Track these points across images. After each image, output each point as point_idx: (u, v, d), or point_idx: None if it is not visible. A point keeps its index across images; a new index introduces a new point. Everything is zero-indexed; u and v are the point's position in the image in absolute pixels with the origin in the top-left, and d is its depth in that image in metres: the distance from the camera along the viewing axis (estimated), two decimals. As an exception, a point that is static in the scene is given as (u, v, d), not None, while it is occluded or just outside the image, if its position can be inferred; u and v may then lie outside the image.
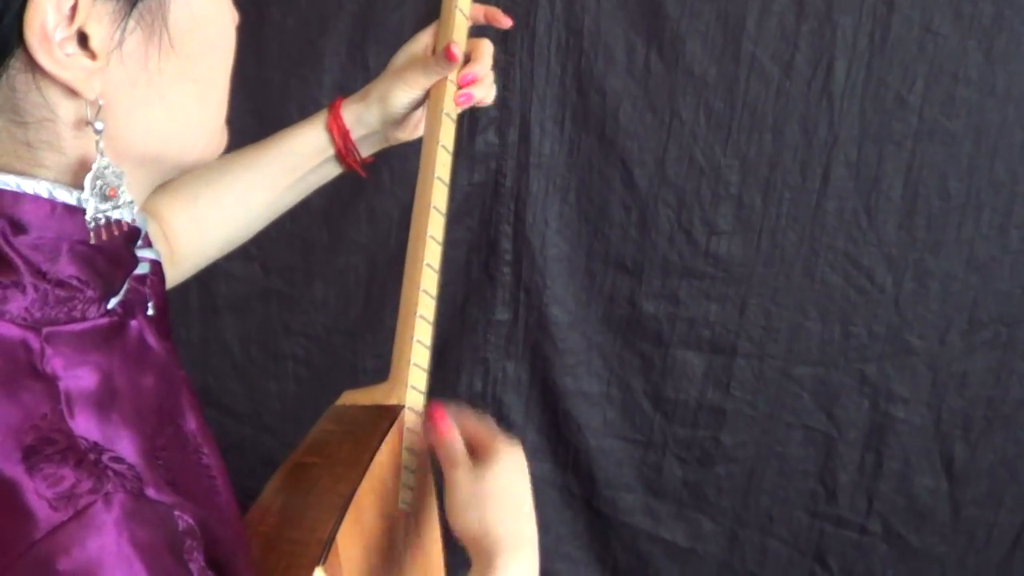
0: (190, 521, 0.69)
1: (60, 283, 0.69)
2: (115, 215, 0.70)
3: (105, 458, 0.65)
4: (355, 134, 1.19)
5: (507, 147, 1.98)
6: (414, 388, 1.07)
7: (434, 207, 1.10)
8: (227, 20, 0.77)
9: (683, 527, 2.20)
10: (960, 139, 1.85)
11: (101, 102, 0.67)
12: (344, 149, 1.19)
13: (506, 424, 2.17)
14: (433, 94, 1.16)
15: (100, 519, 0.62)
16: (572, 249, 2.03)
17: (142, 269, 0.81)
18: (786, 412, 2.07)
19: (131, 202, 0.71)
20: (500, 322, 2.10)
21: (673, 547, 2.21)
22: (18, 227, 0.67)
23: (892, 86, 1.83)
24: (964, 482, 2.06)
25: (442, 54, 1.13)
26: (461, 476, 0.98)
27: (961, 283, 1.93)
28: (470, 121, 1.96)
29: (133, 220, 0.74)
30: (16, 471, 0.62)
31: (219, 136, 0.80)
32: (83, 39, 0.65)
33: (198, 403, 0.82)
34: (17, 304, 0.67)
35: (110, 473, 0.65)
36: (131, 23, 0.67)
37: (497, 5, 1.85)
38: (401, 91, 1.16)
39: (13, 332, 0.66)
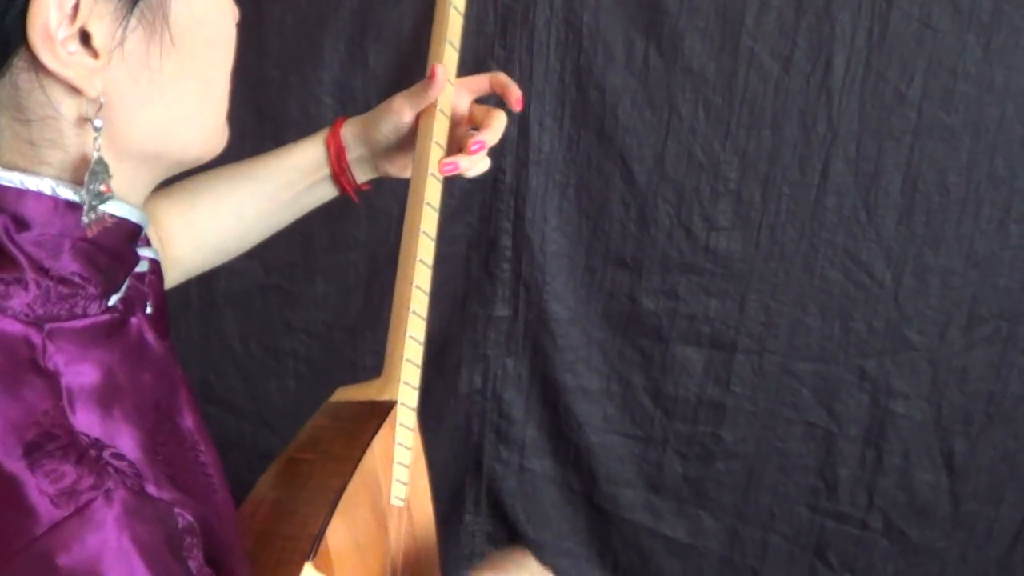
0: (189, 518, 0.69)
1: (62, 280, 0.69)
2: (107, 208, 0.71)
3: (106, 454, 0.66)
4: (350, 154, 1.20)
5: (506, 143, 1.98)
6: (407, 384, 1.08)
7: (427, 203, 1.10)
8: (227, 18, 0.78)
9: (684, 523, 2.20)
10: (959, 134, 1.84)
11: (102, 100, 0.68)
12: (338, 168, 1.20)
13: (506, 421, 2.17)
14: (422, 123, 1.15)
15: (101, 516, 0.63)
16: (572, 245, 2.03)
17: (142, 267, 0.82)
18: (786, 408, 2.07)
19: (111, 197, 0.71)
20: (500, 318, 2.10)
21: (674, 543, 2.21)
22: (21, 224, 0.68)
23: (891, 81, 1.82)
24: (964, 477, 2.05)
25: (427, 79, 1.13)
26: None
27: (961, 278, 1.93)
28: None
29: (128, 217, 0.74)
30: (18, 467, 0.63)
31: (220, 133, 0.80)
32: (85, 37, 0.66)
33: (195, 401, 0.83)
34: (19, 300, 0.67)
35: (111, 470, 0.65)
36: (132, 21, 0.68)
37: (495, 4, 1.87)
38: (386, 117, 1.16)
39: (15, 328, 0.67)
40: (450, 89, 1.16)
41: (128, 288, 0.77)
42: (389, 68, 1.95)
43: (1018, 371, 1.97)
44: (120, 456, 0.67)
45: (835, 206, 1.91)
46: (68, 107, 0.68)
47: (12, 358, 0.66)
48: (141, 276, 0.81)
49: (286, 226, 1.98)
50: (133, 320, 0.76)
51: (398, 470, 1.06)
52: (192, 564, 0.68)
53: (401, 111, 1.15)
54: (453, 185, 1.98)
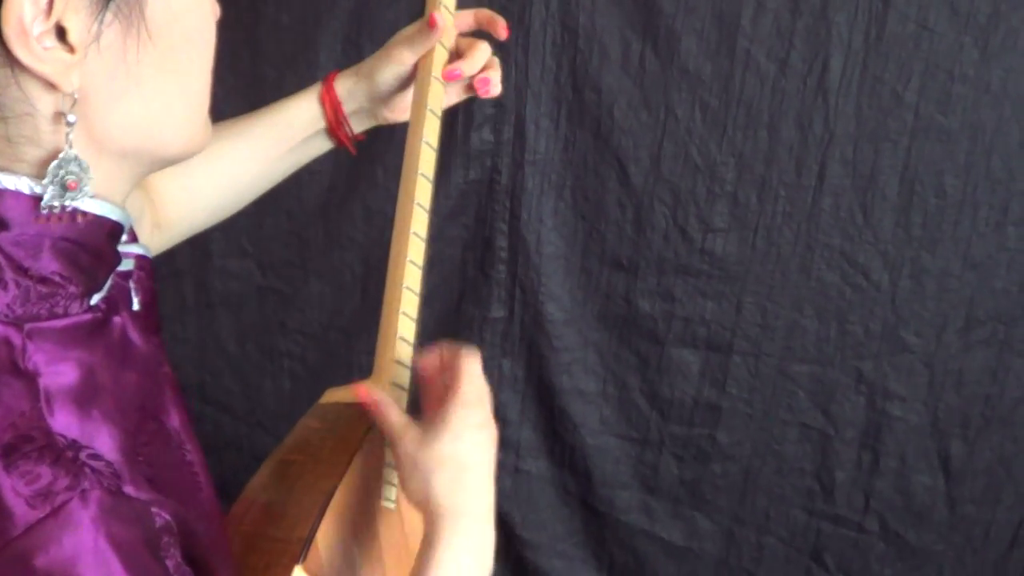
0: (167, 518, 0.69)
1: (42, 279, 0.69)
2: (80, 205, 0.70)
3: (83, 455, 0.66)
4: (346, 108, 1.19)
5: (502, 144, 1.98)
6: (397, 385, 1.07)
7: (417, 203, 1.09)
8: (206, 13, 0.77)
9: (680, 525, 2.19)
10: (956, 136, 1.84)
11: (76, 96, 0.67)
12: (335, 122, 1.19)
13: (502, 422, 2.15)
14: (420, 69, 1.16)
15: (77, 516, 0.63)
16: (567, 247, 2.03)
17: (126, 265, 0.81)
18: (782, 410, 2.07)
19: (93, 196, 0.71)
20: (495, 320, 2.10)
21: (670, 545, 2.20)
22: (0, 223, 0.67)
23: (888, 83, 1.82)
24: (961, 480, 2.05)
25: (424, 22, 1.13)
26: (407, 444, 0.93)
27: (958, 281, 1.92)
28: (465, 118, 1.95)
29: (109, 215, 0.73)
30: None
31: (202, 130, 0.80)
32: (61, 33, 0.65)
33: (183, 400, 0.82)
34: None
35: (87, 470, 0.65)
36: (108, 16, 0.67)
37: (491, 3, 1.86)
38: (387, 66, 1.16)
39: None
40: (451, 32, 1.16)
41: (111, 287, 0.76)
42: (385, 68, 1.95)
43: (1015, 374, 1.97)
44: (97, 457, 0.66)
45: (832, 208, 1.91)
46: (44, 103, 0.67)
47: None
48: (127, 274, 0.80)
49: (281, 225, 1.98)
50: (116, 319, 0.75)
51: (388, 472, 1.06)
52: (169, 563, 0.68)
53: (402, 58, 1.15)
54: (449, 186, 1.98)
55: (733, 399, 2.08)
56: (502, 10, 1.86)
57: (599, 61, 1.89)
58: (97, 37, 0.67)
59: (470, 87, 1.21)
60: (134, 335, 0.77)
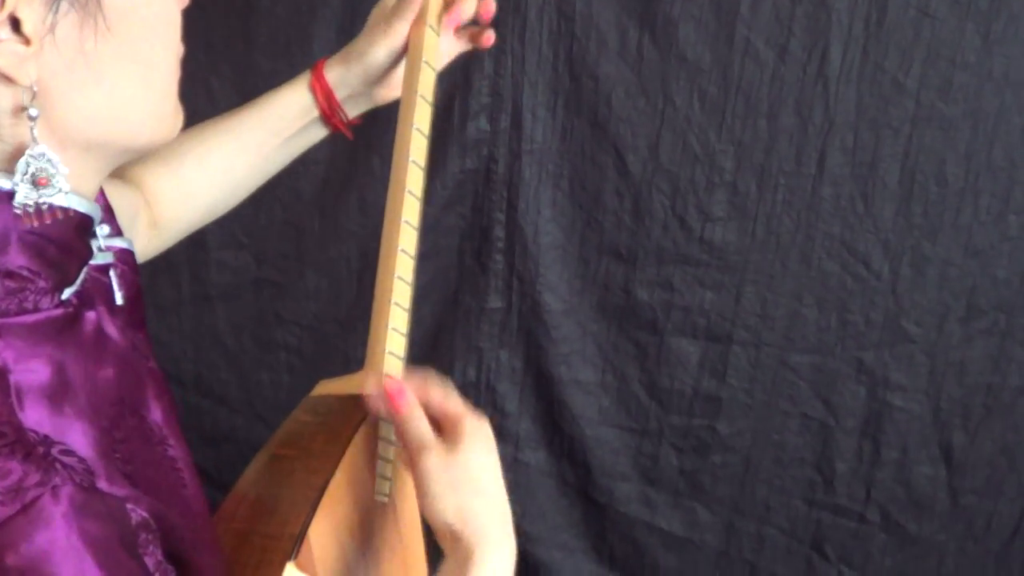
0: (144, 514, 0.68)
1: (9, 274, 0.68)
2: (54, 201, 0.69)
3: (55, 451, 0.65)
4: (339, 94, 1.18)
5: (499, 133, 1.97)
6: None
7: (408, 191, 1.08)
8: (168, 1, 0.76)
9: (680, 516, 2.19)
10: (958, 124, 1.83)
11: (35, 88, 0.66)
12: (328, 110, 1.18)
13: (500, 413, 2.16)
14: (409, 55, 1.14)
15: (48, 512, 0.62)
16: (565, 236, 2.02)
17: (105, 259, 0.80)
18: (783, 400, 2.06)
19: (68, 191, 0.70)
20: (493, 310, 2.09)
21: (670, 536, 2.20)
22: None
23: (888, 70, 1.81)
24: (963, 471, 2.05)
25: None
26: (433, 462, 0.91)
27: (959, 270, 1.92)
28: (461, 107, 1.95)
29: (76, 208, 0.72)
30: None
31: (170, 118, 0.78)
32: (15, 24, 0.64)
33: (168, 395, 0.81)
34: None
35: (59, 466, 0.64)
36: (64, 5, 0.66)
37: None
38: (379, 41, 1.15)
39: None
40: (436, 8, 1.15)
41: (85, 281, 0.75)
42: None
43: (1017, 364, 1.97)
44: (70, 452, 0.66)
45: (832, 197, 1.90)
46: (2, 97, 0.66)
47: None
48: (104, 268, 0.79)
49: (277, 217, 1.97)
50: (90, 314, 0.74)
51: (382, 465, 1.05)
52: (149, 560, 0.68)
53: (393, 30, 1.14)
54: (445, 175, 1.98)
55: (733, 389, 2.07)
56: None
57: (596, 49, 1.88)
58: (52, 28, 0.66)
59: (469, 37, 1.20)
60: (111, 329, 0.76)
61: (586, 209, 2.00)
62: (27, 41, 0.65)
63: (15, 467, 0.62)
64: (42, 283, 0.70)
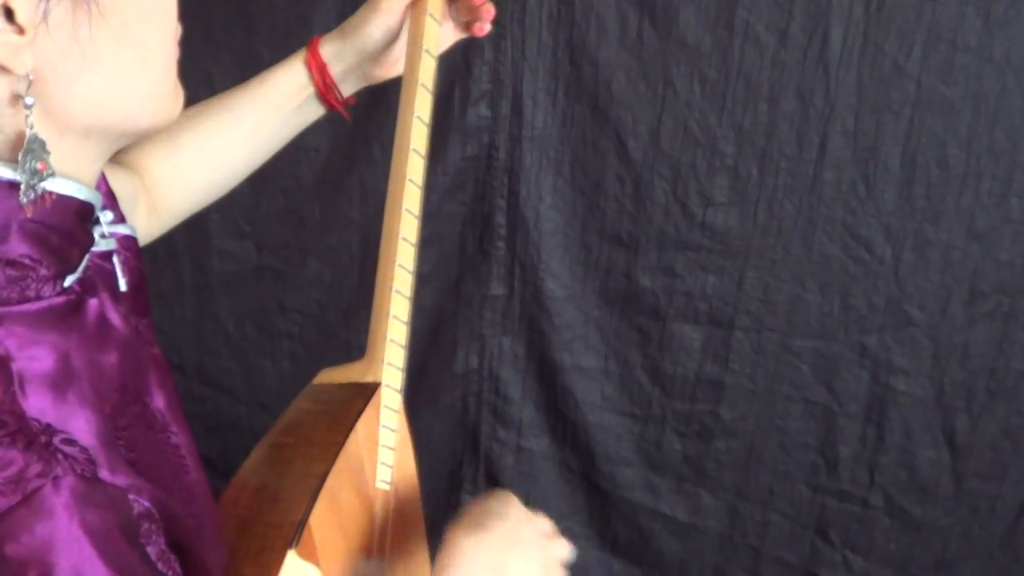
0: (146, 504, 0.68)
1: (11, 263, 0.68)
2: (54, 188, 0.69)
3: (56, 440, 0.65)
4: (334, 70, 1.18)
5: (499, 120, 1.97)
6: (391, 365, 1.06)
7: (409, 179, 1.08)
8: None
9: (683, 502, 2.19)
10: (959, 107, 1.82)
11: (31, 77, 0.66)
12: (323, 86, 1.18)
13: (503, 400, 2.17)
14: (410, 43, 1.14)
15: (49, 503, 0.62)
16: (567, 222, 2.02)
17: (107, 245, 0.80)
18: (786, 385, 2.06)
19: (54, 173, 0.70)
20: (495, 297, 2.09)
21: (673, 522, 2.20)
22: None
23: (889, 53, 1.80)
24: (966, 454, 2.05)
25: None
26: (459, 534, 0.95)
27: (961, 253, 1.91)
28: (462, 94, 1.94)
29: (76, 195, 0.72)
30: None
31: (169, 101, 0.78)
32: (8, 14, 0.64)
33: (171, 382, 0.81)
34: None
35: (60, 456, 0.64)
36: None
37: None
38: (376, 18, 1.15)
39: None
40: None
41: (87, 268, 0.75)
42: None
43: (1020, 347, 1.96)
44: (72, 442, 0.66)
45: (833, 181, 1.89)
46: None
47: None
48: (107, 255, 0.79)
49: (278, 204, 1.97)
50: (92, 301, 0.74)
51: (383, 453, 1.05)
52: (151, 550, 0.68)
53: (391, 7, 1.14)
54: (446, 162, 1.98)
55: (736, 375, 2.07)
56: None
57: (596, 35, 1.88)
58: (45, 16, 0.66)
59: (466, 27, 1.21)
60: (114, 316, 0.76)
61: (587, 195, 2.00)
62: (21, 30, 0.64)
63: (16, 457, 0.62)
64: (44, 271, 0.70)
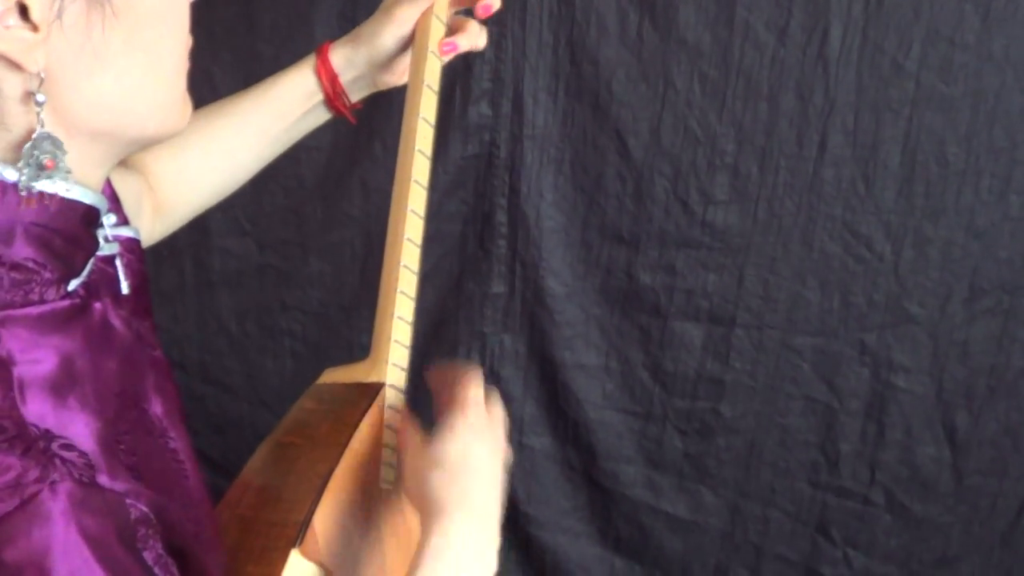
0: (144, 509, 0.68)
1: (15, 266, 0.68)
2: (60, 192, 0.69)
3: (55, 446, 0.65)
4: (344, 78, 1.18)
5: (500, 118, 1.97)
6: (395, 365, 1.07)
7: (415, 180, 1.08)
8: None
9: (684, 499, 2.20)
10: (958, 105, 1.83)
11: (42, 75, 0.66)
12: (333, 93, 1.18)
13: (505, 398, 2.16)
14: (416, 44, 1.14)
15: (46, 508, 0.62)
16: (567, 221, 2.02)
17: (110, 249, 0.80)
18: (786, 383, 2.07)
19: (70, 172, 0.70)
20: (496, 295, 2.10)
21: (675, 519, 2.21)
22: None
23: (888, 52, 1.81)
24: (967, 451, 2.05)
25: None
26: (413, 445, 0.98)
27: (961, 250, 1.92)
28: (463, 93, 1.95)
29: (82, 199, 0.73)
30: None
31: (178, 108, 0.78)
32: (23, 11, 0.64)
33: (171, 386, 0.82)
34: None
35: (58, 461, 0.64)
36: None
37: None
38: (388, 28, 1.15)
39: None
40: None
41: (92, 272, 0.75)
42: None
43: (1020, 343, 1.97)
44: (71, 447, 0.66)
45: (833, 179, 1.90)
46: (10, 84, 0.67)
47: None
48: (110, 259, 0.79)
49: (280, 203, 1.97)
50: (96, 305, 0.75)
51: (387, 453, 1.05)
52: (148, 555, 0.68)
53: (404, 18, 1.14)
54: (447, 161, 1.98)
55: (736, 372, 2.08)
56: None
57: (597, 33, 1.88)
58: (60, 15, 0.66)
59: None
60: (116, 321, 0.76)
61: (588, 193, 2.00)
62: (35, 28, 0.65)
63: (14, 462, 0.62)
64: (48, 274, 0.70)
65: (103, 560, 0.63)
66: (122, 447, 0.70)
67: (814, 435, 2.10)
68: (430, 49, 1.13)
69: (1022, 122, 1.84)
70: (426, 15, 1.14)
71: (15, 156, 0.68)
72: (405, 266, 1.08)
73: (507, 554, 1.91)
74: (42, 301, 0.69)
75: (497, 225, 2.04)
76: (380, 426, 1.05)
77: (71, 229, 0.72)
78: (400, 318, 1.07)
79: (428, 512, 0.91)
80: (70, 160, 0.70)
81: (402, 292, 1.07)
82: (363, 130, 1.94)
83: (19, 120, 0.68)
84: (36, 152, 0.67)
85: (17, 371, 0.66)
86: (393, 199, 1.09)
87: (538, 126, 1.96)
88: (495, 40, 1.89)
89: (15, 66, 0.65)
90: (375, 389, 1.05)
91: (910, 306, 1.96)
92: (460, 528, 0.90)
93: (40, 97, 0.67)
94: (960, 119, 1.84)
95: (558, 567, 2.25)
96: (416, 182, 1.09)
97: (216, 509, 0.91)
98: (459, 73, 1.93)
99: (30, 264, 0.69)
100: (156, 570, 0.68)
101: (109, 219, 0.82)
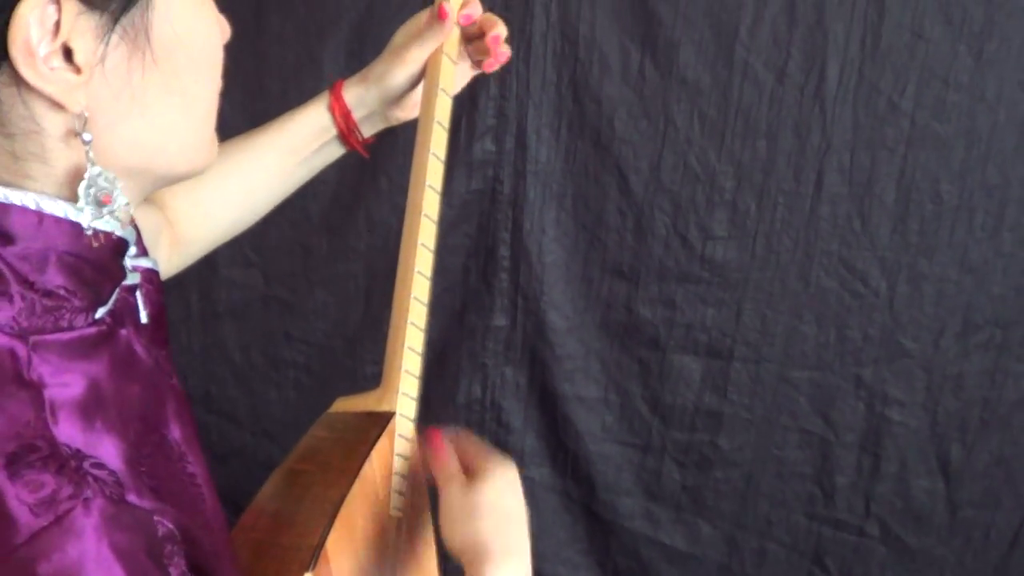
0: (170, 526, 0.69)
1: (47, 293, 0.69)
2: (103, 226, 0.72)
3: (86, 464, 0.66)
4: (356, 114, 1.20)
5: (504, 154, 1.99)
6: (406, 395, 1.08)
7: (425, 215, 1.10)
8: (212, 36, 0.78)
9: (682, 531, 2.20)
10: (952, 143, 1.86)
11: (86, 114, 0.68)
12: (346, 130, 1.20)
13: (505, 429, 2.18)
14: (427, 82, 1.16)
15: (80, 524, 0.63)
16: (569, 255, 2.04)
17: (132, 279, 0.81)
18: (783, 416, 2.08)
19: (127, 203, 0.72)
20: (498, 328, 2.11)
21: (672, 551, 2.21)
22: (6, 238, 0.68)
23: (884, 91, 1.84)
24: (961, 483, 2.06)
25: (434, 15, 1.14)
26: (454, 490, 1.00)
27: (955, 286, 1.94)
28: (467, 129, 1.97)
29: (113, 231, 0.74)
30: None
31: (207, 149, 0.80)
32: (67, 53, 0.66)
33: (188, 413, 0.83)
34: (4, 313, 0.67)
35: (90, 479, 0.65)
36: (114, 38, 0.68)
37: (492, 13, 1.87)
38: (399, 68, 1.17)
39: (0, 341, 0.67)
40: (456, 31, 1.17)
41: (116, 301, 0.77)
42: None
43: (1013, 377, 1.98)
44: (101, 466, 0.67)
45: (829, 215, 1.92)
46: (51, 122, 0.68)
47: None
48: (132, 288, 0.81)
49: (286, 235, 1.99)
50: (122, 332, 0.76)
51: (397, 481, 1.07)
52: (174, 572, 0.69)
53: (414, 58, 1.16)
54: (452, 195, 1.99)
55: (734, 405, 2.09)
56: (503, 21, 1.88)
57: (599, 72, 1.91)
58: (103, 59, 0.68)
59: (477, 64, 1.23)
60: (138, 348, 0.78)
61: (589, 228, 2.02)
62: (78, 70, 0.66)
63: (48, 480, 0.63)
64: (77, 302, 0.71)
65: (133, 575, 0.64)
66: (144, 469, 0.71)
67: (810, 467, 2.11)
68: (440, 87, 1.15)
69: (1014, 160, 1.86)
70: (436, 54, 1.16)
71: (56, 190, 0.70)
72: (415, 298, 1.09)
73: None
74: (71, 328, 0.71)
75: (500, 259, 2.06)
76: (391, 454, 1.06)
77: (102, 259, 0.73)
78: (410, 348, 1.09)
79: (477, 559, 0.96)
80: None
81: (412, 323, 1.09)
82: (368, 166, 1.95)
83: (60, 156, 0.69)
84: (92, 190, 0.69)
85: (48, 393, 0.67)
86: (404, 233, 1.11)
87: (541, 162, 1.99)
88: (500, 78, 1.91)
89: (58, 106, 0.67)
90: (386, 418, 1.06)
91: (905, 340, 1.98)
92: (509, 571, 0.96)
93: (87, 136, 0.68)
94: (954, 157, 1.86)
95: (557, 597, 2.26)
96: (427, 216, 1.11)
97: (231, 534, 0.92)
98: (464, 109, 1.95)
99: (61, 292, 0.70)
100: None
101: (130, 250, 0.83)
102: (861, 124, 1.86)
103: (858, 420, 2.06)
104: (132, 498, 0.68)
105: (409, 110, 1.22)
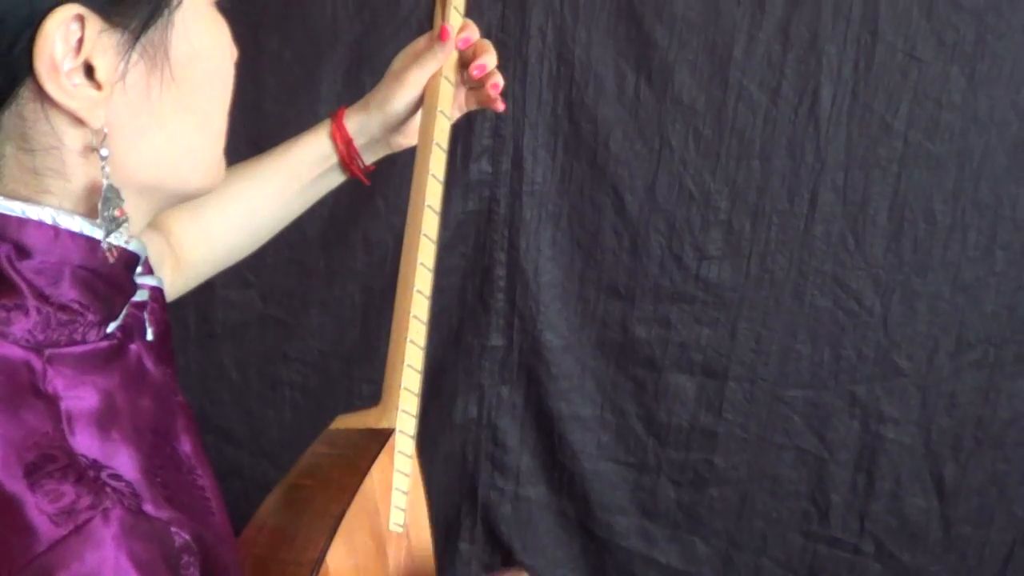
0: (186, 537, 0.70)
1: (62, 307, 0.70)
2: (116, 240, 0.73)
3: (104, 475, 0.67)
4: (358, 142, 1.21)
5: (500, 175, 2.00)
6: (405, 412, 1.09)
7: (424, 235, 1.11)
8: (226, 55, 0.80)
9: (677, 549, 2.20)
10: (945, 163, 1.87)
11: (105, 130, 0.70)
12: (347, 157, 1.21)
13: (501, 449, 2.18)
14: (426, 104, 1.18)
15: (99, 534, 0.64)
16: (565, 275, 2.05)
17: (141, 296, 0.82)
18: (778, 434, 2.08)
19: (126, 221, 0.73)
20: (494, 348, 2.12)
21: (668, 569, 2.21)
22: (22, 251, 0.69)
23: (877, 112, 1.85)
24: (955, 501, 2.07)
25: (434, 37, 1.16)
26: None
27: (948, 304, 1.95)
28: (463, 150, 1.98)
29: (127, 243, 0.75)
30: (19, 487, 0.64)
31: (217, 166, 0.82)
32: (89, 70, 0.68)
33: (195, 427, 0.83)
34: (20, 326, 0.68)
35: (108, 490, 0.66)
36: (135, 56, 0.70)
37: (488, 37, 1.88)
38: (399, 92, 1.18)
39: (16, 353, 0.68)
40: (454, 54, 1.19)
41: (126, 316, 0.78)
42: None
43: (1006, 395, 1.99)
44: (118, 477, 0.68)
45: (823, 235, 1.93)
46: (72, 137, 0.70)
47: (13, 382, 0.67)
48: (141, 305, 0.82)
49: (283, 255, 2.00)
50: (132, 347, 0.77)
51: (396, 496, 1.08)
52: None
53: (414, 81, 1.18)
54: (448, 216, 2.00)
55: (729, 424, 2.09)
56: (499, 44, 1.89)
57: (595, 93, 1.92)
58: (123, 76, 0.70)
59: (477, 99, 1.25)
60: (148, 363, 0.79)
61: (585, 248, 2.03)
62: (99, 87, 0.68)
63: (68, 490, 0.64)
64: (91, 316, 0.72)
65: None
66: (158, 479, 0.72)
67: (805, 486, 2.11)
68: (439, 109, 1.16)
69: (1007, 179, 1.87)
70: (435, 76, 1.18)
71: (72, 205, 0.71)
72: (415, 317, 1.10)
73: (504, 602, 1.92)
74: (84, 341, 0.72)
75: (496, 279, 2.07)
76: (390, 470, 1.07)
77: (114, 274, 0.74)
78: (410, 366, 1.10)
79: None
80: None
81: (412, 341, 1.10)
82: (365, 187, 1.96)
83: (77, 171, 0.71)
84: (109, 207, 0.70)
85: (64, 405, 0.68)
86: (404, 252, 1.12)
87: (537, 183, 1.99)
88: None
89: (79, 122, 0.69)
90: (386, 435, 1.07)
91: (898, 359, 1.99)
92: None
93: (104, 151, 0.70)
94: (947, 177, 1.88)
95: (553, 616, 2.26)
96: (426, 236, 1.12)
97: (233, 548, 0.93)
98: (460, 130, 1.95)
99: (75, 306, 0.71)
100: None
101: (137, 268, 0.85)
102: (855, 144, 1.87)
103: (852, 438, 2.06)
104: (149, 509, 0.68)
105: (410, 136, 1.23)
